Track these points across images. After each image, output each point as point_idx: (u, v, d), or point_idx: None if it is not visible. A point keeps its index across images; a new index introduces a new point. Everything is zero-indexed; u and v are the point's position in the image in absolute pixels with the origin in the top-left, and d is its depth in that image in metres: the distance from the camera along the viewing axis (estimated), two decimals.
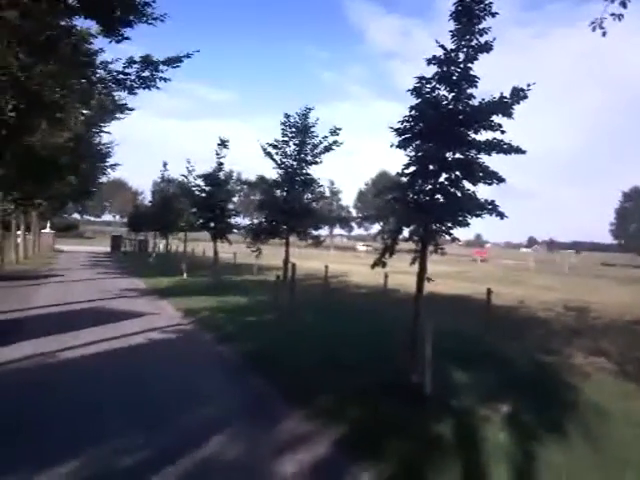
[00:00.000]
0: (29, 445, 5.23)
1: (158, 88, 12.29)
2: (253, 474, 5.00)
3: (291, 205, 13.63)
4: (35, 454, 5.02)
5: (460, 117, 7.48)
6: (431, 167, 7.54)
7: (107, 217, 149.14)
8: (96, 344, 9.95)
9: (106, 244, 57.78)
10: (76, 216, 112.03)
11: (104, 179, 36.85)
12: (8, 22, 9.67)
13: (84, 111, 16.77)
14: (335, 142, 13.89)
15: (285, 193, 13.97)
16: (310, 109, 13.97)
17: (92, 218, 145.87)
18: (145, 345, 10.33)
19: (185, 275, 25.57)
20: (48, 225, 50.69)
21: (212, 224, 20.58)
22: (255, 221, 15.87)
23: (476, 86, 7.55)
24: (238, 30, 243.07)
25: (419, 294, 7.83)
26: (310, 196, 14.35)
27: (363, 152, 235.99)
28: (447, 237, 7.74)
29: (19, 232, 34.09)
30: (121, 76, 12.18)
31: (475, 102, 7.55)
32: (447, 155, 7.57)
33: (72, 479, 4.61)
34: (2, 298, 15.48)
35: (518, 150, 7.39)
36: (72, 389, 7.32)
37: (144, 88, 12.37)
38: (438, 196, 7.58)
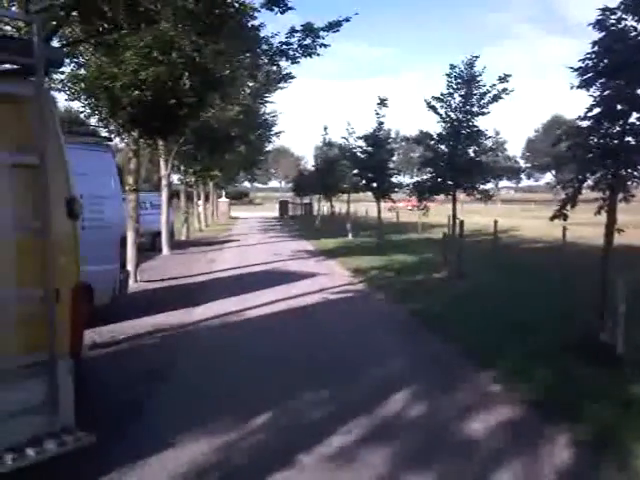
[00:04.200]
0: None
1: (319, 55, 12.46)
2: (441, 432, 4.97)
3: (457, 159, 13.07)
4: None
5: None
6: (619, 107, 6.73)
7: (273, 183, 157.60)
8: (276, 303, 10.62)
9: (274, 209, 61.19)
10: (246, 184, 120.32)
11: (270, 147, 38.89)
12: (182, 7, 10.43)
13: (251, 84, 17.66)
14: (504, 90, 12.96)
15: (450, 147, 13.41)
16: (476, 57, 13.18)
17: (260, 185, 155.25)
18: (321, 304, 10.80)
19: (350, 236, 26.22)
20: (224, 194, 54.97)
21: (374, 184, 20.63)
22: (419, 178, 15.51)
23: None
24: None
25: (608, 246, 7.13)
26: (477, 149, 13.60)
27: (530, 96, 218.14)
28: None
29: (200, 202, 37.44)
30: (284, 47, 12.54)
31: None
32: (639, 92, 6.67)
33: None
34: (192, 263, 17.22)
35: None
36: (256, 345, 7.88)
37: (306, 56, 12.61)
38: (628, 138, 6.76)
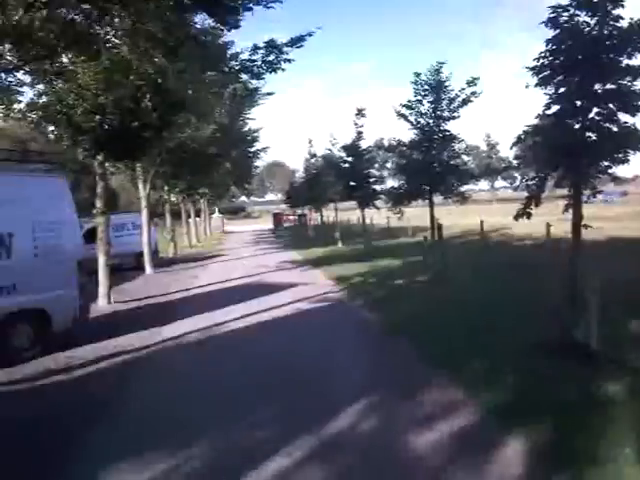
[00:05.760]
0: None
1: (283, 70, 12.20)
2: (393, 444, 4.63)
3: (430, 164, 12.99)
4: None
5: (607, 43, 6.32)
6: (579, 103, 6.50)
7: (270, 197, 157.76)
8: (247, 317, 10.32)
9: (270, 222, 60.91)
10: (243, 199, 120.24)
11: (259, 162, 38.72)
12: (143, 30, 10.21)
13: (224, 102, 17.45)
14: (474, 93, 12.97)
15: (423, 153, 13.36)
16: (442, 63, 13.17)
17: (257, 199, 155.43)
18: (295, 315, 10.52)
19: (340, 244, 25.94)
20: (217, 210, 54.84)
21: (357, 193, 20.56)
22: (395, 185, 15.44)
23: (622, 5, 6.33)
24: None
25: (576, 242, 6.84)
26: (451, 153, 13.55)
27: (525, 98, 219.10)
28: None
29: (191, 219, 37.25)
30: (248, 63, 12.30)
31: (624, 23, 6.35)
32: (596, 87, 6.45)
33: None
34: (173, 281, 16.86)
35: None
36: (213, 365, 7.54)
37: (270, 72, 12.36)
38: (589, 134, 6.51)
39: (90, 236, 14.29)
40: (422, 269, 14.01)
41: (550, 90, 6.97)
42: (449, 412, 5.19)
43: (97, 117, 11.31)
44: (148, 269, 19.34)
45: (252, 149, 30.61)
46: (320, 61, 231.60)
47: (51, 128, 12.81)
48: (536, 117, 7.21)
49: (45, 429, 5.45)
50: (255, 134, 29.60)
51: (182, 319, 10.56)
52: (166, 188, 26.12)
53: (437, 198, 14.20)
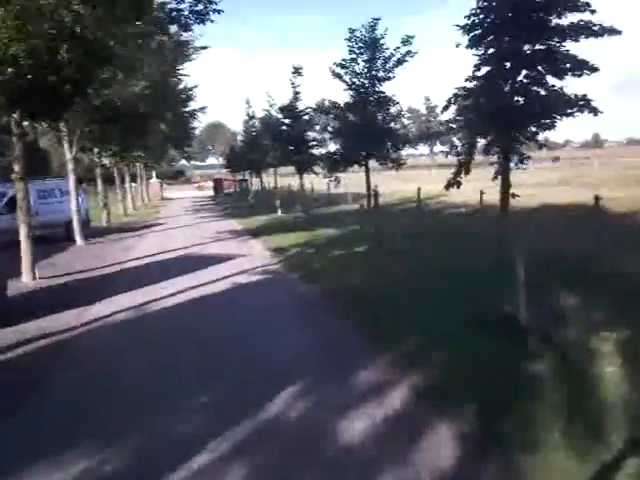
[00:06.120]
0: None
1: (212, 21, 11.60)
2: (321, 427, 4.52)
3: (365, 128, 12.60)
4: None
5: (537, 0, 6.15)
6: (507, 64, 6.35)
7: (211, 160, 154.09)
8: (177, 295, 9.87)
9: (210, 187, 59.58)
10: (184, 162, 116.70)
11: (197, 123, 37.33)
12: None
13: (153, 56, 16.46)
14: (409, 52, 12.55)
15: (358, 116, 12.93)
16: (377, 19, 12.68)
17: (198, 163, 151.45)
18: (228, 291, 10.18)
19: (279, 212, 25.51)
20: (154, 174, 52.96)
21: (295, 157, 20.02)
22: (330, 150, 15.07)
23: None
24: None
25: (503, 212, 6.84)
26: (386, 116, 13.19)
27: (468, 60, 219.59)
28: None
29: (126, 185, 35.71)
30: (174, 13, 11.61)
31: None
32: (525, 48, 6.32)
33: None
34: (105, 253, 16.17)
35: (612, 31, 5.97)
36: (137, 347, 7.25)
37: (199, 23, 11.74)
38: (517, 98, 6.40)
39: (13, 204, 13.40)
40: (360, 238, 13.98)
41: (480, 51, 6.77)
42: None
43: (9, 70, 10.28)
44: (78, 240, 18.32)
45: (188, 109, 29.30)
46: (266, 11, 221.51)
47: None
48: (466, 80, 7.01)
49: None
50: (190, 92, 28.35)
51: (111, 296, 9.96)
52: (96, 150, 24.65)
53: (373, 164, 13.98)
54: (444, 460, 3.83)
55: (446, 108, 7.18)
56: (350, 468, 3.89)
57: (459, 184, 7.04)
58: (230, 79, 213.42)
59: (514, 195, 6.83)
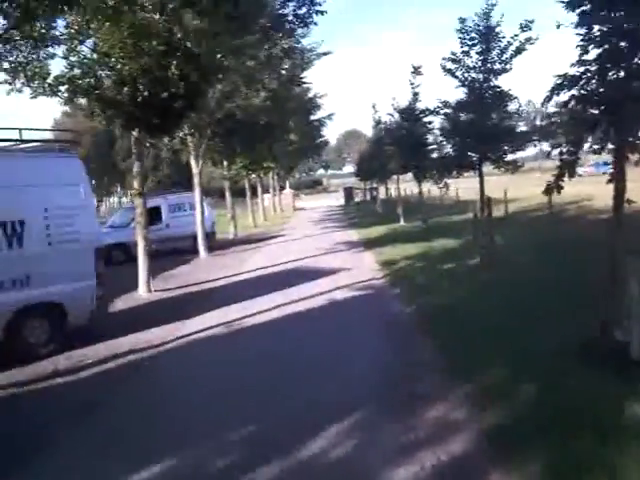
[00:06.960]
0: None
1: (316, 24, 11.24)
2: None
3: (480, 128, 11.33)
4: None
5: None
6: (623, 44, 5.13)
7: (348, 168, 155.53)
8: (275, 310, 9.64)
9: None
10: (322, 172, 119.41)
11: (330, 131, 37.60)
12: None
13: (271, 66, 16.45)
14: (529, 39, 11.12)
15: (473, 114, 11.69)
16: (493, 5, 11.32)
17: (335, 171, 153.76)
18: (324, 308, 9.72)
19: (402, 221, 24.55)
20: (287, 185, 54.31)
21: (413, 163, 19.02)
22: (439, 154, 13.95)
23: None
24: None
25: (617, 224, 5.63)
26: (503, 114, 11.81)
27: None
28: None
29: (258, 196, 36.74)
30: (280, 19, 11.40)
31: None
32: None
33: None
34: (223, 265, 16.45)
35: None
36: (227, 365, 7.06)
37: (302, 26, 11.43)
38: (635, 84, 5.16)
39: (149, 217, 13.80)
40: (476, 251, 12.82)
41: (590, 30, 5.50)
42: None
43: (125, 88, 10.69)
44: (202, 252, 18.83)
45: (315, 117, 29.39)
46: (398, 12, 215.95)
47: (82, 101, 12.34)
48: (572, 65, 5.75)
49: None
50: (318, 100, 28.41)
51: (213, 310, 10.07)
52: (225, 163, 25.40)
53: (486, 168, 12.66)
54: None
55: (548, 100, 6.00)
56: None
57: (560, 188, 5.92)
58: (363, 85, 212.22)
59: (629, 201, 5.59)
